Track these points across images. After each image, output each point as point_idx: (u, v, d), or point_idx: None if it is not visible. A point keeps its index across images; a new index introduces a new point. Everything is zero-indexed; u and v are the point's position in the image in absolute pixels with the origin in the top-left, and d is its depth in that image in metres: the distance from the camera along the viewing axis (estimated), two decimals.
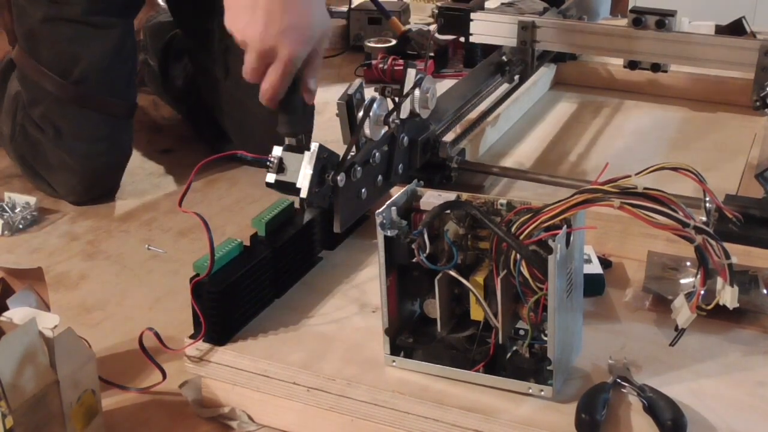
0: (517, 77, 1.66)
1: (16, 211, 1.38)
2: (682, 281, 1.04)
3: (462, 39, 1.84)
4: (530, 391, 0.87)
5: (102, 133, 1.43)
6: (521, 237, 0.84)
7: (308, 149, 1.02)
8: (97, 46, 1.41)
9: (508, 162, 1.53)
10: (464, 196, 0.91)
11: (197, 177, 0.99)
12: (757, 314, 1.00)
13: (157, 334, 0.98)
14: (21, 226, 1.37)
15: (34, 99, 1.42)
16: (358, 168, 1.07)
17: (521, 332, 0.91)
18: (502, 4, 1.87)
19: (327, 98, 1.84)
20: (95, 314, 1.16)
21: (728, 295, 0.84)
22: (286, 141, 1.04)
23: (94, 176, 1.43)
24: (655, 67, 1.61)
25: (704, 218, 1.06)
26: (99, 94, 1.41)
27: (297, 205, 1.09)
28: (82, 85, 1.40)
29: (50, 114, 1.41)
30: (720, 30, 1.75)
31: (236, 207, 1.43)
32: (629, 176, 0.83)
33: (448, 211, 0.89)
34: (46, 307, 0.99)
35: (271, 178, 1.01)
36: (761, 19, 2.29)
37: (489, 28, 1.68)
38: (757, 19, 2.30)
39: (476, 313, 0.91)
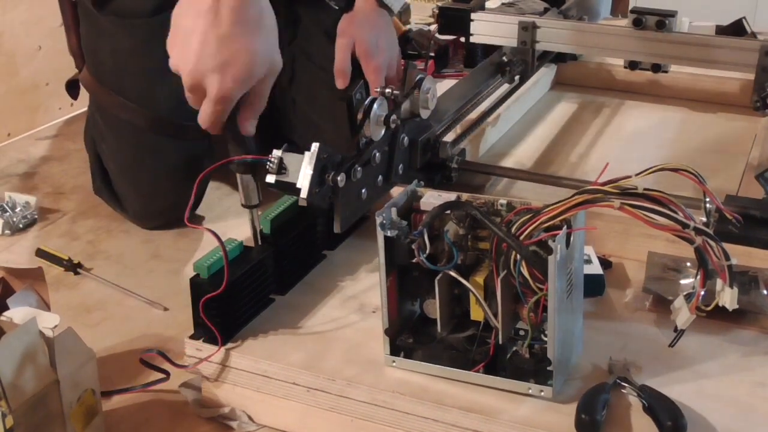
0: (517, 77, 1.66)
1: (17, 210, 1.37)
2: (682, 282, 1.04)
3: (462, 39, 1.83)
4: (530, 391, 0.87)
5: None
6: (521, 237, 0.84)
7: (309, 149, 1.02)
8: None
9: (509, 162, 1.53)
10: (464, 196, 0.91)
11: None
12: (756, 315, 1.00)
13: (163, 355, 0.98)
14: (21, 226, 1.37)
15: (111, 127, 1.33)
16: (359, 168, 1.07)
17: (521, 332, 0.91)
18: (503, 4, 1.87)
19: None
20: (95, 314, 1.16)
21: (728, 297, 0.84)
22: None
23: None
24: (656, 68, 1.62)
25: (704, 219, 1.06)
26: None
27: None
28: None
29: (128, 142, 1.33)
30: (720, 30, 1.74)
31: (238, 210, 1.42)
32: (629, 177, 0.83)
33: (449, 212, 0.89)
34: (47, 307, 0.99)
35: (271, 178, 1.01)
36: (762, 20, 2.30)
37: (489, 28, 1.68)
38: (758, 19, 2.30)
39: (476, 313, 0.91)
